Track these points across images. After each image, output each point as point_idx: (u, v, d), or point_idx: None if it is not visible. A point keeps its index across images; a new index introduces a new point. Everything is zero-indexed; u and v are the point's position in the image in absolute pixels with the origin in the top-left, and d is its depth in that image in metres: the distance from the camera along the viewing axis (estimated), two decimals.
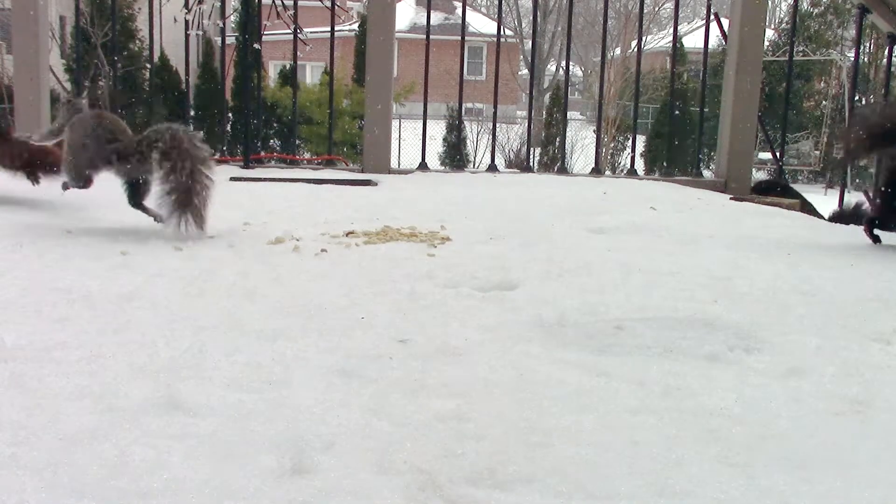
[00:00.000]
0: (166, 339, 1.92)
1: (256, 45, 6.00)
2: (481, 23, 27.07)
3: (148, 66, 11.90)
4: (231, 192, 4.26)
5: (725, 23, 6.84)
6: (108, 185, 3.12)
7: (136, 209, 3.10)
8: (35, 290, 2.27)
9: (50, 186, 3.52)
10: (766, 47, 13.20)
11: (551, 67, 29.62)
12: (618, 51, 23.05)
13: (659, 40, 24.68)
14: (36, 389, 1.61)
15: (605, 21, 6.54)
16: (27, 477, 1.28)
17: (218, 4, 5.85)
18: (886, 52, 5.82)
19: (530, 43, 7.77)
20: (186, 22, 5.67)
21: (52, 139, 3.38)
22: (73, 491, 1.25)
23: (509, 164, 16.07)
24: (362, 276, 2.57)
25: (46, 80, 5.62)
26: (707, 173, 7.92)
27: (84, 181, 3.10)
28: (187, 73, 6.29)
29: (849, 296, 2.55)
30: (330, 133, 6.49)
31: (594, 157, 6.42)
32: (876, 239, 3.42)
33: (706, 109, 6.92)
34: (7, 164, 3.62)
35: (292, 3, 5.67)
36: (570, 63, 6.75)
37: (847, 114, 10.42)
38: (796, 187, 6.59)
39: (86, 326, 2.00)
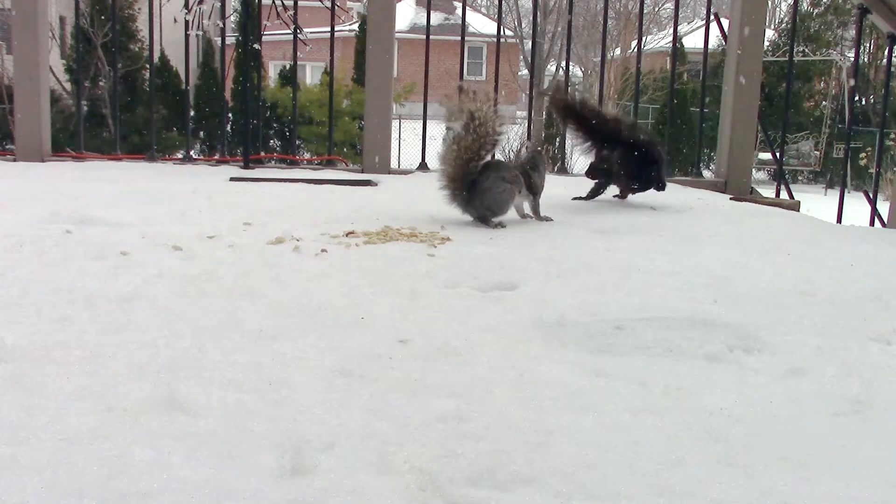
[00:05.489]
0: (166, 339, 1.92)
1: (256, 46, 6.00)
2: (481, 23, 27.06)
3: (148, 66, 11.87)
4: (231, 192, 4.27)
5: (725, 23, 6.84)
6: (109, 186, 3.12)
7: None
8: (35, 290, 2.27)
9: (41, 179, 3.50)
10: (766, 47, 13.19)
11: (551, 67, 29.59)
12: (618, 51, 23.04)
13: (659, 40, 24.67)
14: (36, 389, 1.61)
15: (605, 21, 6.55)
16: (27, 477, 1.28)
17: (218, 5, 5.86)
18: (886, 52, 5.82)
19: (530, 43, 7.77)
20: (186, 22, 5.68)
21: None
22: (73, 491, 1.25)
23: None
24: (362, 277, 2.56)
25: (46, 80, 5.62)
26: (707, 173, 7.92)
27: None
28: (187, 73, 6.29)
29: (849, 296, 2.55)
30: (330, 133, 6.49)
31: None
32: None
33: (706, 109, 6.92)
34: None
35: (292, 3, 5.67)
36: (570, 63, 6.75)
37: (847, 114, 10.41)
38: (796, 188, 6.60)
39: (86, 326, 2.00)
